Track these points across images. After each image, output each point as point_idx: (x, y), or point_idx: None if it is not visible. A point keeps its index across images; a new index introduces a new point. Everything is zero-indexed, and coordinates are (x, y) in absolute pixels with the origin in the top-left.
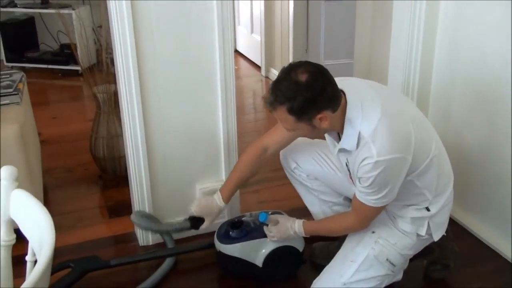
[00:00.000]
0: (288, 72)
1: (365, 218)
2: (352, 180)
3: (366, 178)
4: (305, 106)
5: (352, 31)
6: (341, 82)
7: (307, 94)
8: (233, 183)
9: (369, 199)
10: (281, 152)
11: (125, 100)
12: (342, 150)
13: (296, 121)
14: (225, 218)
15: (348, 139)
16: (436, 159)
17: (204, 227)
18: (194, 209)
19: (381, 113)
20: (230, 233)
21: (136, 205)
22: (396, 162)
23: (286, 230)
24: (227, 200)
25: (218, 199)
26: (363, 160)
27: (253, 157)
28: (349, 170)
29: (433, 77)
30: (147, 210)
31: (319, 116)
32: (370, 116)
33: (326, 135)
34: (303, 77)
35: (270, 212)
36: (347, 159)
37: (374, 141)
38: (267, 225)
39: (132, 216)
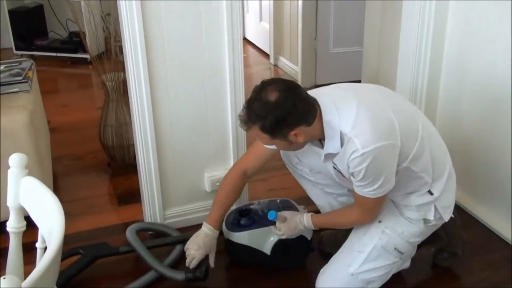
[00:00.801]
0: (259, 91)
1: (369, 210)
2: (346, 177)
3: (358, 171)
4: (277, 125)
5: (362, 17)
6: (311, 92)
7: (277, 113)
8: (219, 211)
9: (366, 191)
10: None
11: (134, 88)
12: (328, 156)
13: (270, 139)
14: (233, 206)
15: (332, 142)
16: (427, 141)
17: (213, 260)
18: (198, 255)
19: (356, 106)
20: (239, 221)
21: (145, 193)
22: (383, 150)
23: (296, 225)
24: (218, 227)
25: (210, 231)
26: (350, 155)
27: (234, 183)
28: (340, 172)
29: (442, 77)
30: (156, 198)
31: (293, 132)
32: (346, 112)
33: (309, 145)
34: (272, 97)
35: (278, 201)
36: (333, 162)
37: (356, 135)
38: (275, 223)
39: (128, 232)
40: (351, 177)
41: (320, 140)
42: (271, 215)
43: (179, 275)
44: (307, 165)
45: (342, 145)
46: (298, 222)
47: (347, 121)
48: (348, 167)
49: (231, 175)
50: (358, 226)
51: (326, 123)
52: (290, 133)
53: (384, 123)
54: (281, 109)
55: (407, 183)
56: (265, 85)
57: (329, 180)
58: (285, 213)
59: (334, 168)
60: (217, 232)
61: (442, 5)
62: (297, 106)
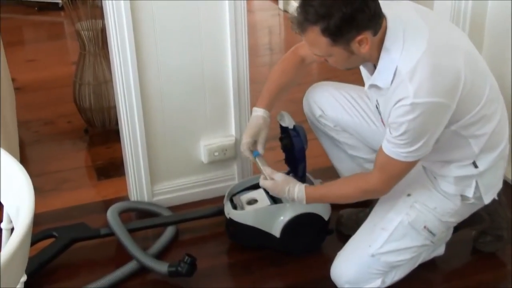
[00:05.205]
0: None
1: (391, 177)
2: (384, 123)
3: (399, 124)
4: (343, 25)
5: None
6: (381, 3)
7: (346, 9)
8: (270, 91)
9: (399, 151)
10: (304, 98)
11: (115, 38)
12: (373, 87)
13: (331, 45)
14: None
15: (383, 74)
16: (488, 107)
17: (261, 146)
18: (246, 139)
19: (426, 45)
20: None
21: (130, 165)
22: (436, 107)
23: (281, 191)
24: (267, 106)
25: (257, 112)
26: (397, 102)
27: (292, 66)
28: (379, 113)
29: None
30: (142, 170)
31: (359, 38)
32: (412, 48)
33: (361, 67)
34: None
35: (291, 174)
36: (377, 101)
37: (412, 78)
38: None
39: (109, 213)
40: (387, 130)
41: (374, 66)
42: (255, 153)
43: (162, 268)
44: (331, 119)
45: (392, 82)
46: (285, 191)
47: (409, 60)
48: (389, 116)
49: (288, 57)
50: (383, 201)
51: (385, 49)
52: (356, 39)
53: (450, 77)
54: (350, 4)
55: (451, 149)
56: None
57: (355, 141)
58: (278, 175)
59: (376, 107)
60: (266, 111)
61: None
62: (368, 3)
